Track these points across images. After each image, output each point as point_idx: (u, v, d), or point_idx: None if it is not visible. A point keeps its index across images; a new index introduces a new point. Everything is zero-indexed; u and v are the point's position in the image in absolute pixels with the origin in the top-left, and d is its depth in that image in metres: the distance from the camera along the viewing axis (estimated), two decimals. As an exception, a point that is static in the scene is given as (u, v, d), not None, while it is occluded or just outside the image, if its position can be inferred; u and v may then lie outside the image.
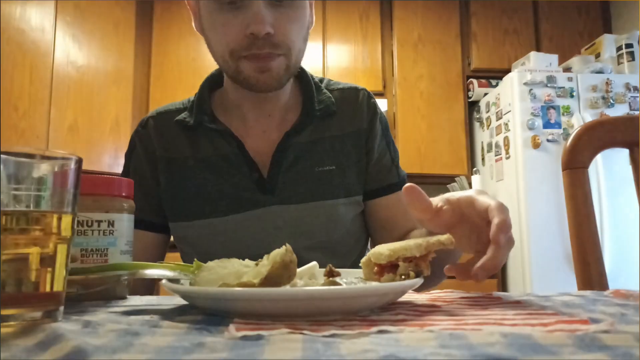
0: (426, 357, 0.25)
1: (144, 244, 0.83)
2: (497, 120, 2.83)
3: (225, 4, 0.72)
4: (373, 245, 0.91)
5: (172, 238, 0.89)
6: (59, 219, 0.37)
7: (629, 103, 2.59)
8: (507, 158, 2.68)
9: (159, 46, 3.06)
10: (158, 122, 0.87)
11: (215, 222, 0.81)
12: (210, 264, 0.48)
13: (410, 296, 0.50)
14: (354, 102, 0.88)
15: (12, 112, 2.38)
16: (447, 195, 0.55)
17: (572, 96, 2.58)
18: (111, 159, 2.73)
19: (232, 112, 0.86)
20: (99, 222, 0.50)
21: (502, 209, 0.49)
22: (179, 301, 0.48)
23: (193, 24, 0.82)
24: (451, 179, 3.06)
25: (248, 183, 0.81)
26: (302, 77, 0.88)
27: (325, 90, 0.88)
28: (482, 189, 2.93)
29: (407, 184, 0.53)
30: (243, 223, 0.81)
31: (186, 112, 0.86)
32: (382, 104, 3.09)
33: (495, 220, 0.48)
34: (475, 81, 3.10)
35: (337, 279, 0.47)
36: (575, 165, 0.81)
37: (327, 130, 0.85)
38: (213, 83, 0.89)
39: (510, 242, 0.49)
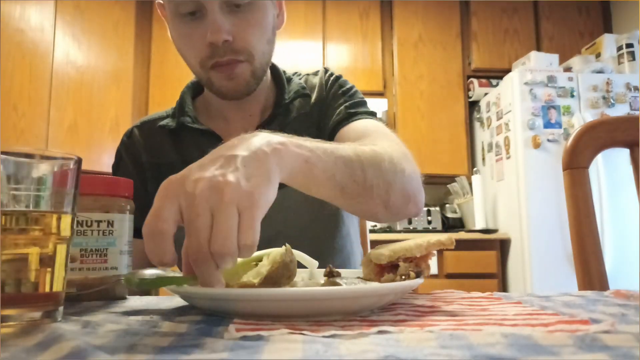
0: (426, 358, 0.25)
1: (138, 251, 0.83)
2: (497, 120, 2.83)
3: (186, 15, 0.74)
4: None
5: None
6: (59, 219, 0.37)
7: (630, 103, 2.59)
8: (508, 158, 2.68)
9: (159, 46, 3.06)
10: (143, 130, 0.89)
11: None
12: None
13: (410, 296, 0.50)
14: (316, 81, 0.90)
15: (12, 111, 2.38)
16: None
17: (572, 96, 2.58)
18: (111, 159, 2.71)
19: (215, 116, 0.87)
20: (99, 222, 0.50)
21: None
22: (179, 301, 0.48)
23: (169, 33, 0.82)
24: (451, 179, 3.05)
25: None
26: (275, 73, 0.90)
27: (295, 80, 0.90)
28: (478, 189, 2.89)
29: None
30: None
31: (168, 118, 0.88)
32: (382, 104, 3.08)
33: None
34: (475, 81, 3.09)
35: (337, 279, 0.47)
36: (576, 165, 0.81)
37: (295, 110, 0.87)
38: (194, 90, 0.91)
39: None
